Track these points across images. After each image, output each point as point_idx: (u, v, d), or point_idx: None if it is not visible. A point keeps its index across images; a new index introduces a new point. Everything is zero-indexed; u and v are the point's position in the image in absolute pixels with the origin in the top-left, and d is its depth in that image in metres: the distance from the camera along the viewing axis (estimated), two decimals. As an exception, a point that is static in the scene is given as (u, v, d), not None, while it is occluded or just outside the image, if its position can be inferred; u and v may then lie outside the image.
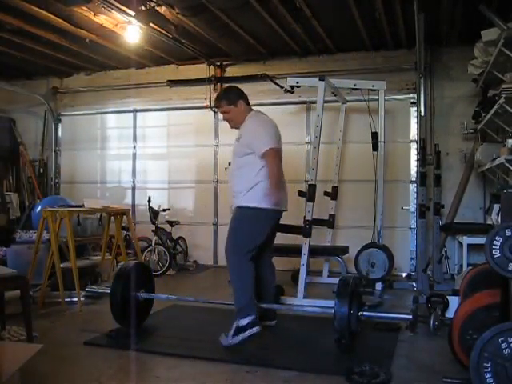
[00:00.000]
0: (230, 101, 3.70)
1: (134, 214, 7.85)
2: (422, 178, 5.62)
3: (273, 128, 3.72)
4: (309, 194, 4.81)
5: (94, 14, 5.64)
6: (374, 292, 5.27)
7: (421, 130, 6.45)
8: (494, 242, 2.38)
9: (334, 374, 2.91)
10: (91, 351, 3.36)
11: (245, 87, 7.60)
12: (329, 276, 6.09)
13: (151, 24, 5.69)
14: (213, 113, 7.54)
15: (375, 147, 5.77)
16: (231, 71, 7.55)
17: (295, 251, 5.02)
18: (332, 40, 6.51)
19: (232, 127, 3.83)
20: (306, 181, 6.35)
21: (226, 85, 7.47)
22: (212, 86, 7.48)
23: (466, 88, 6.41)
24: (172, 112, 7.91)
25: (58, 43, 6.56)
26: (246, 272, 3.52)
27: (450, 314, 3.80)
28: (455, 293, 4.08)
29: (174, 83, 7.65)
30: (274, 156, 3.53)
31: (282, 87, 6.41)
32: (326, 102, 5.14)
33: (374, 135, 5.78)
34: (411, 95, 6.71)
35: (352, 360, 3.08)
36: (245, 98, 3.78)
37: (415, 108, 6.63)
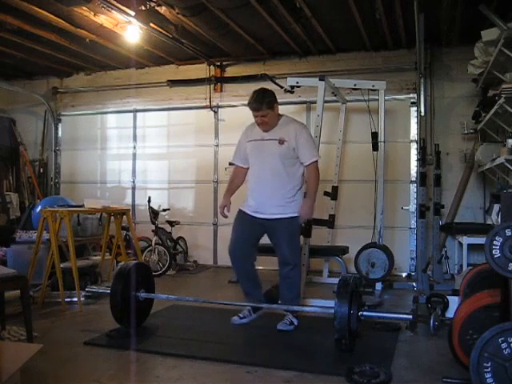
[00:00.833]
0: (269, 104, 3.73)
1: (134, 214, 7.86)
2: (422, 178, 5.62)
3: None
4: (309, 194, 4.81)
5: (94, 14, 5.64)
6: (374, 292, 5.27)
7: (421, 130, 6.46)
8: (494, 242, 2.38)
9: (334, 374, 2.91)
10: (91, 351, 3.36)
11: (245, 87, 7.70)
12: (329, 276, 6.10)
13: (151, 24, 5.69)
14: (213, 113, 7.54)
15: (375, 147, 5.77)
16: (231, 71, 7.55)
17: (295, 251, 5.01)
18: (332, 40, 6.51)
19: (264, 130, 3.83)
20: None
21: (226, 85, 7.53)
22: (212, 85, 7.49)
23: (466, 88, 6.42)
24: (172, 112, 7.90)
25: (58, 43, 6.56)
26: None
27: (449, 314, 3.80)
28: (455, 293, 4.08)
29: (174, 83, 7.65)
30: (317, 168, 3.85)
31: (281, 87, 6.41)
32: (326, 101, 5.15)
33: (374, 135, 5.79)
34: (411, 95, 6.71)
35: (352, 360, 3.08)
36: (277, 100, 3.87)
37: (415, 108, 6.64)
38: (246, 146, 3.93)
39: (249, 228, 3.87)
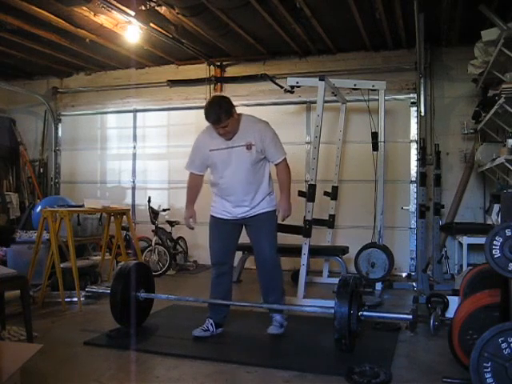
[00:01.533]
0: (228, 114, 3.44)
1: (134, 214, 7.86)
2: (422, 178, 5.62)
3: None
4: (309, 194, 4.82)
5: (94, 14, 5.64)
6: (374, 292, 5.27)
7: (421, 129, 6.47)
8: (494, 242, 2.38)
9: (334, 374, 2.91)
10: (91, 351, 3.36)
11: (245, 87, 7.67)
12: (329, 276, 6.10)
13: (151, 24, 5.69)
14: (213, 113, 7.53)
15: (375, 147, 5.77)
16: (231, 71, 7.55)
17: (295, 251, 5.02)
18: (332, 40, 6.51)
19: (228, 139, 3.58)
20: (306, 181, 6.35)
21: (226, 85, 7.52)
22: (212, 85, 7.49)
23: (465, 88, 6.42)
24: (172, 112, 7.90)
25: (58, 43, 6.56)
26: None
27: (449, 314, 3.80)
28: (455, 293, 4.08)
29: (174, 83, 7.65)
30: (287, 164, 3.73)
31: (281, 87, 6.41)
32: (326, 102, 5.14)
33: (374, 135, 5.79)
34: (411, 95, 6.72)
35: (352, 360, 3.08)
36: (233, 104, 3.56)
37: (415, 108, 6.65)
38: (209, 154, 3.66)
39: (228, 234, 3.73)
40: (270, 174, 3.78)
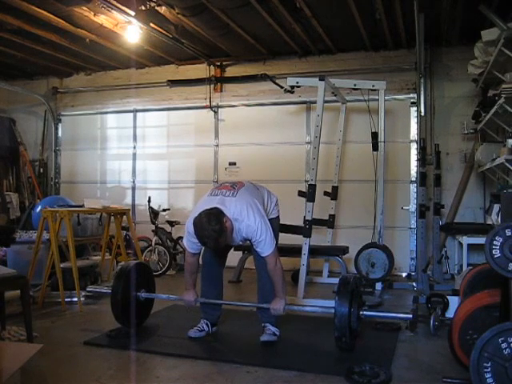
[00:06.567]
0: (222, 233, 3.16)
1: (134, 214, 7.86)
2: (422, 178, 5.63)
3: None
4: (309, 194, 4.82)
5: (94, 14, 5.64)
6: (374, 292, 5.27)
7: (421, 130, 6.48)
8: (494, 242, 2.38)
9: (334, 373, 2.91)
10: (91, 351, 3.35)
11: (245, 87, 7.68)
12: (329, 276, 6.10)
13: (151, 24, 5.69)
14: (213, 113, 7.54)
15: (375, 147, 5.78)
16: (231, 71, 7.55)
17: (295, 251, 5.02)
18: (332, 40, 6.52)
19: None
20: (306, 181, 6.36)
21: (226, 85, 7.53)
22: (212, 85, 7.49)
23: (466, 88, 6.43)
24: (172, 112, 7.91)
25: (58, 43, 6.57)
26: None
27: (449, 313, 3.80)
28: (455, 293, 4.08)
29: (174, 83, 7.65)
30: (276, 257, 3.43)
31: (282, 87, 6.42)
32: (326, 101, 5.15)
33: (374, 135, 5.79)
34: (411, 95, 6.72)
35: (352, 360, 3.08)
36: (221, 212, 3.21)
37: (415, 108, 6.65)
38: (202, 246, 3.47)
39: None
40: (267, 194, 3.67)
